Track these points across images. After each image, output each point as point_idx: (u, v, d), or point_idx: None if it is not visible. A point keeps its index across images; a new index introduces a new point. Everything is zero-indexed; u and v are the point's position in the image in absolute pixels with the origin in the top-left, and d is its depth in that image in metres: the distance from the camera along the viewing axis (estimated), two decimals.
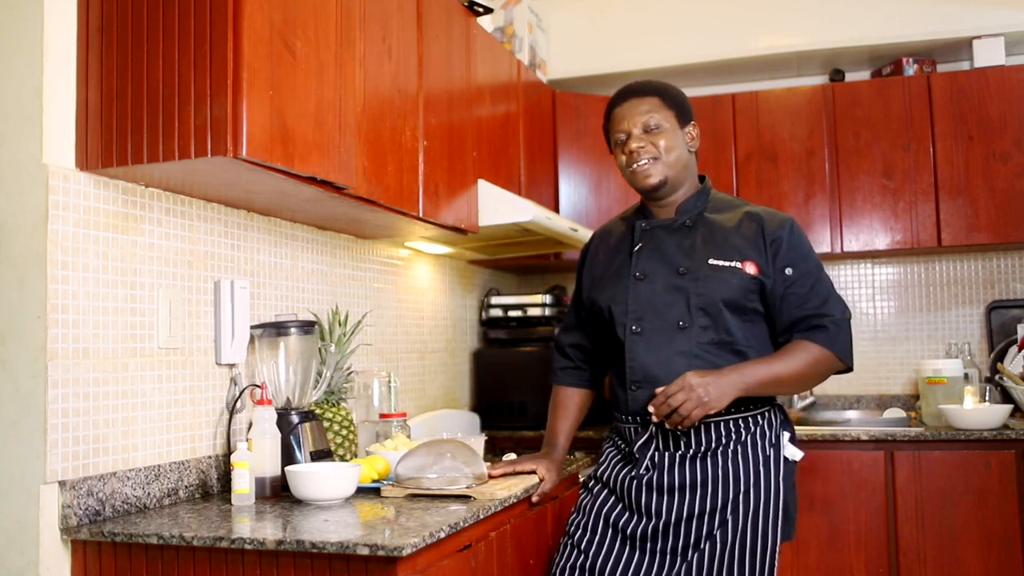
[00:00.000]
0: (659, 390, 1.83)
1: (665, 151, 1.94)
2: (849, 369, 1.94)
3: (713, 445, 1.88)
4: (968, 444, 2.89)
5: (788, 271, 1.90)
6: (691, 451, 1.88)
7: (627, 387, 1.93)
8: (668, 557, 1.86)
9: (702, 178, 2.05)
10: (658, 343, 1.90)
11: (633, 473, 1.92)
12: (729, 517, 1.84)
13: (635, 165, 1.95)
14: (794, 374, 1.87)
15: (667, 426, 1.83)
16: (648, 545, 1.88)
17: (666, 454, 1.90)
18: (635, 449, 1.93)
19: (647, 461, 1.91)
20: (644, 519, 1.89)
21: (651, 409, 1.83)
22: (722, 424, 1.89)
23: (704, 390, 1.78)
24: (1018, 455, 2.84)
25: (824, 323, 1.88)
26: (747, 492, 1.85)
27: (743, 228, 1.94)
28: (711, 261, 1.90)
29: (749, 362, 1.86)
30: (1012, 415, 3.15)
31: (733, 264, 1.89)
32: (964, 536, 2.86)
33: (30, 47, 1.63)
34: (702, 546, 1.84)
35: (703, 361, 1.87)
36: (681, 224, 1.98)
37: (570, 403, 2.17)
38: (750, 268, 1.89)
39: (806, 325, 1.89)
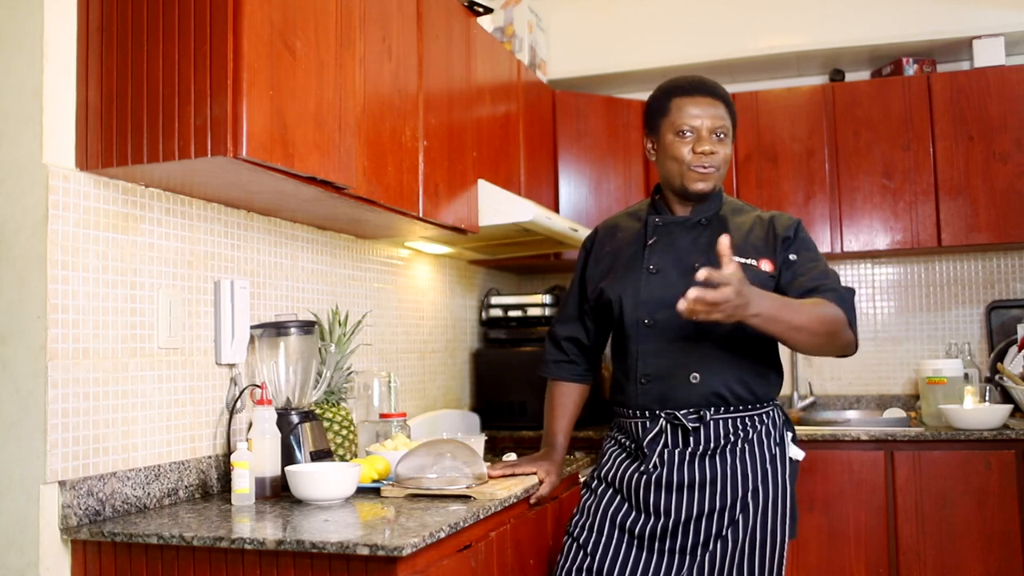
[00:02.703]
0: (712, 276, 1.62)
1: (723, 162, 1.95)
2: (854, 348, 1.88)
3: (722, 443, 1.88)
4: (968, 444, 2.89)
5: (792, 256, 1.92)
6: (700, 448, 1.88)
7: (636, 381, 1.93)
8: (677, 556, 1.86)
9: None
10: (670, 337, 1.90)
11: (641, 469, 1.92)
12: (739, 516, 1.84)
13: (697, 166, 1.92)
14: (811, 322, 1.76)
15: (684, 307, 1.62)
16: (656, 544, 1.88)
17: (675, 451, 1.89)
18: (644, 445, 1.92)
19: (655, 458, 1.90)
20: (652, 518, 1.89)
21: (692, 294, 1.60)
22: (729, 421, 1.89)
23: (740, 299, 1.62)
24: (1018, 455, 2.84)
25: (835, 288, 1.85)
26: (755, 491, 1.86)
27: (756, 229, 1.96)
28: None
29: (774, 295, 1.77)
30: (1012, 415, 3.15)
31: (749, 261, 1.90)
32: (964, 536, 2.86)
33: (30, 47, 1.63)
34: (712, 545, 1.84)
35: (715, 356, 1.88)
36: (696, 222, 1.98)
37: (566, 400, 2.17)
38: (766, 266, 1.91)
39: (816, 292, 1.83)
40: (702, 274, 1.63)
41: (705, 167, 1.92)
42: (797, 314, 1.75)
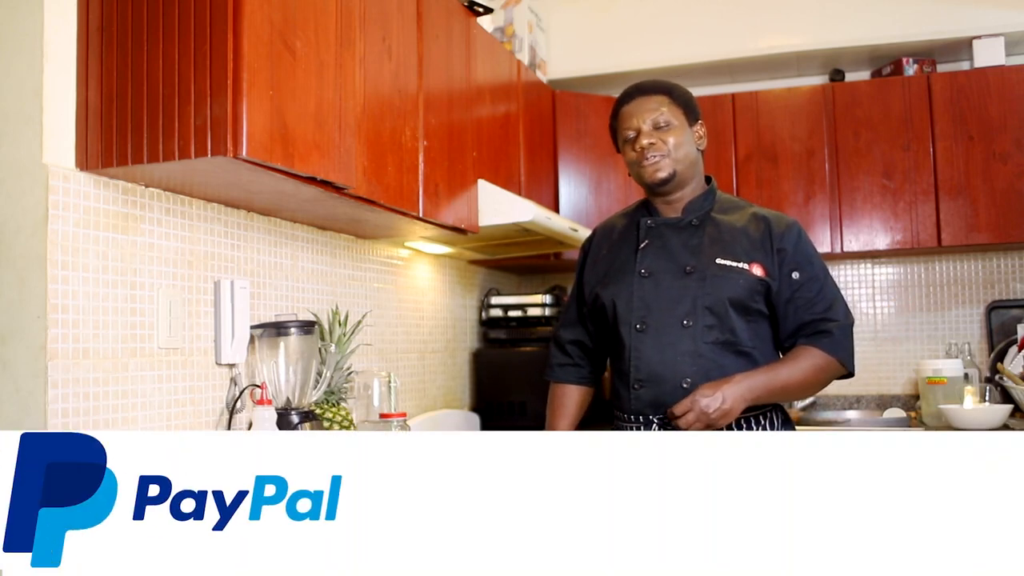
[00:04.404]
0: (671, 411, 1.84)
1: (675, 147, 1.94)
2: (851, 374, 1.96)
3: None
4: None
5: (795, 275, 1.91)
6: None
7: (630, 386, 1.93)
8: None
9: (708, 179, 2.06)
10: (663, 342, 1.90)
11: None
12: None
13: (645, 161, 1.94)
14: (799, 381, 1.90)
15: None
16: None
17: None
18: None
19: None
20: None
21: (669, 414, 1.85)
22: (725, 425, 1.89)
23: (714, 410, 1.80)
24: None
25: (829, 328, 1.90)
26: None
27: (750, 230, 1.95)
28: (719, 260, 1.91)
29: (756, 371, 1.87)
30: (1012, 415, 3.15)
31: (740, 265, 1.90)
32: None
33: (30, 47, 1.63)
34: None
35: (707, 361, 1.87)
36: (688, 223, 1.98)
37: (569, 401, 2.16)
38: (757, 270, 1.90)
39: (811, 330, 1.91)
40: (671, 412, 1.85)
41: (649, 159, 1.94)
42: (789, 376, 1.89)
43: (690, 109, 2.00)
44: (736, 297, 1.88)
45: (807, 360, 1.90)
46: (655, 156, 1.94)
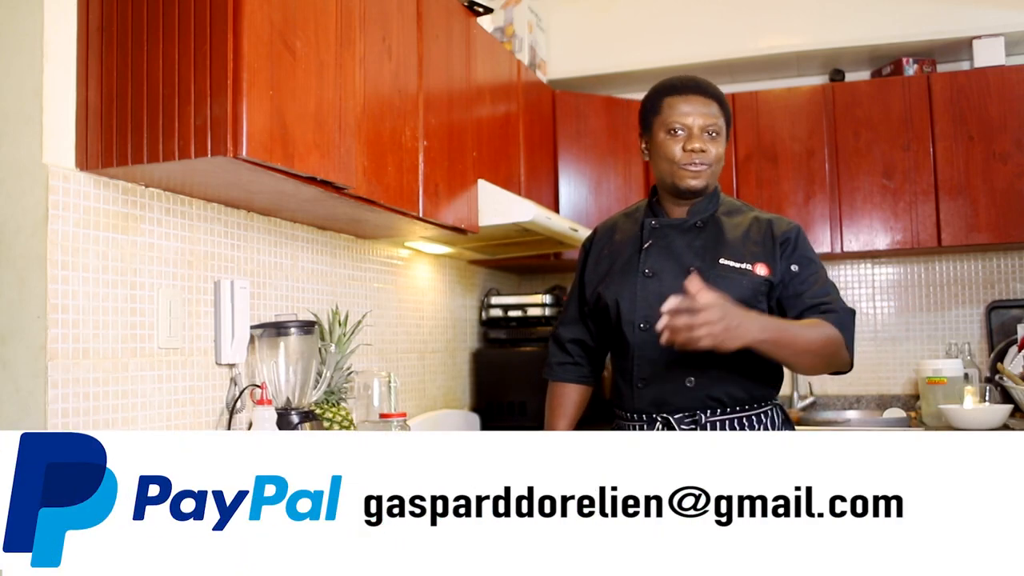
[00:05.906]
0: (668, 306, 1.62)
1: (716, 160, 1.93)
2: (849, 367, 1.93)
3: None
4: None
5: (794, 268, 1.92)
6: None
7: (633, 384, 1.94)
8: None
9: None
10: None
11: None
12: None
13: (690, 165, 1.91)
14: (806, 343, 1.79)
15: (664, 338, 1.64)
16: None
17: None
18: None
19: None
20: None
21: (665, 308, 1.62)
22: (727, 423, 1.89)
23: (720, 319, 1.60)
24: None
25: (834, 308, 1.88)
26: None
27: (752, 232, 1.95)
28: (722, 261, 1.91)
29: (771, 316, 1.83)
30: (1012, 415, 3.15)
31: (744, 266, 1.90)
32: None
33: (30, 47, 1.63)
34: None
35: (710, 361, 1.87)
36: (692, 224, 1.98)
37: (568, 401, 2.16)
38: (761, 270, 1.90)
39: (817, 311, 1.87)
40: (669, 304, 1.61)
41: (696, 165, 1.91)
42: (801, 334, 1.78)
43: (729, 126, 2.00)
44: (739, 297, 1.87)
45: (819, 328, 1.81)
46: (701, 164, 1.91)
